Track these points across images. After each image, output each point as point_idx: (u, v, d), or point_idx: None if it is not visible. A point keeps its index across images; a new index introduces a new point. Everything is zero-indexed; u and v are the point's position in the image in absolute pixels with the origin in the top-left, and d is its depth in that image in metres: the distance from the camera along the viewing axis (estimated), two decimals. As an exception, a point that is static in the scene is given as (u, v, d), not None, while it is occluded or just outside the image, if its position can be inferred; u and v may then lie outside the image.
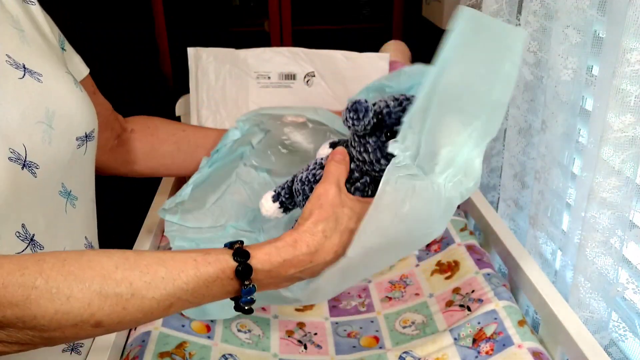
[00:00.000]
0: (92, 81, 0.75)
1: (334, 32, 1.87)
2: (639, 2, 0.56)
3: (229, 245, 0.53)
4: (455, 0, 1.10)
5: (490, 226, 0.87)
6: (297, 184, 0.65)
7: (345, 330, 0.77)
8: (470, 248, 0.85)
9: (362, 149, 0.61)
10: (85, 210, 0.65)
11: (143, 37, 1.59)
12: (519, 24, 0.87)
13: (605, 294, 0.69)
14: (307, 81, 1.08)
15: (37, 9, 0.64)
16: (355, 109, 0.58)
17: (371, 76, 1.03)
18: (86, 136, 0.62)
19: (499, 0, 0.89)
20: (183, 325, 0.72)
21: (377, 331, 0.77)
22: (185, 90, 1.08)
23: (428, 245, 0.90)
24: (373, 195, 0.58)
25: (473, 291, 0.77)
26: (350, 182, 0.63)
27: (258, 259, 0.52)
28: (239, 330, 0.75)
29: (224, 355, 0.69)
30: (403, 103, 0.60)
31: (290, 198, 0.67)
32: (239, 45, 1.08)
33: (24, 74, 0.56)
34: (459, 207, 1.03)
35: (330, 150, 0.67)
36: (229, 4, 1.83)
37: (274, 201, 0.67)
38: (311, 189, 0.62)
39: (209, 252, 0.51)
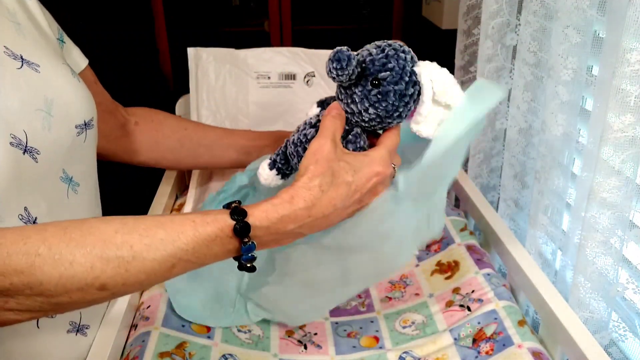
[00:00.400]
0: (92, 72, 0.77)
1: (334, 32, 1.87)
2: (639, 2, 0.56)
3: (227, 206, 0.53)
4: (455, 0, 1.10)
5: (490, 226, 0.87)
6: (290, 147, 0.64)
7: (345, 330, 0.77)
8: (470, 248, 0.85)
9: (349, 101, 0.60)
10: (88, 196, 0.66)
11: (143, 37, 1.59)
12: (519, 24, 0.87)
13: (605, 293, 0.69)
14: (307, 81, 1.08)
15: (33, 4, 0.65)
16: (338, 58, 0.56)
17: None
18: (85, 124, 0.63)
19: (499, 0, 0.89)
20: (183, 325, 0.72)
21: (377, 331, 0.77)
22: (185, 90, 1.08)
23: (428, 246, 0.90)
24: (365, 147, 0.61)
25: (473, 291, 0.77)
26: (341, 136, 0.62)
27: (256, 217, 0.52)
28: (239, 330, 0.75)
29: (224, 355, 0.69)
30: (385, 50, 0.59)
31: (287, 163, 0.66)
32: (239, 45, 1.08)
33: (22, 65, 0.57)
34: (458, 206, 1.03)
35: (318, 109, 0.66)
36: (228, 4, 1.83)
37: (270, 168, 0.66)
38: (305, 149, 0.61)
39: (207, 213, 0.52)
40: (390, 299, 0.83)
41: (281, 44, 1.76)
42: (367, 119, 0.60)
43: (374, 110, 0.59)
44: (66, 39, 0.72)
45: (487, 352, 0.67)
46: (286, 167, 0.66)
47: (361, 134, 0.62)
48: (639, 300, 0.68)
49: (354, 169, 0.56)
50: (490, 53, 0.93)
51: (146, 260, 0.47)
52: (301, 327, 0.78)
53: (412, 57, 0.60)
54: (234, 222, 0.51)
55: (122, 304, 0.72)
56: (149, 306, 0.74)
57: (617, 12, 0.61)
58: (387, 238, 0.67)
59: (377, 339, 0.76)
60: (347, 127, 0.62)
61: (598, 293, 0.69)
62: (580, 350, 0.62)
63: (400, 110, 0.60)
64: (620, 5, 0.60)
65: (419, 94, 0.60)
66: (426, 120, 0.59)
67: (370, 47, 0.60)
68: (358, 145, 0.62)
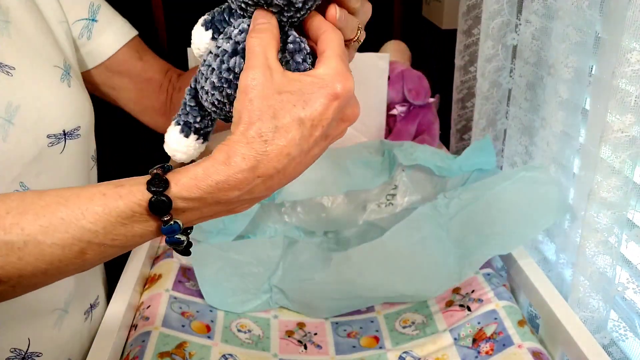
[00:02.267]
0: (136, 47, 0.71)
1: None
2: (639, 2, 0.56)
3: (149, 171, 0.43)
4: (455, 0, 1.10)
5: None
6: (206, 95, 0.45)
7: (345, 330, 0.77)
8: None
9: None
10: None
11: (143, 37, 1.59)
12: (520, 24, 0.87)
13: (605, 293, 0.69)
14: (307, 81, 1.07)
15: None
16: None
17: (371, 76, 1.03)
18: (65, 134, 0.59)
19: (499, 0, 0.89)
20: (183, 326, 0.72)
21: (377, 331, 0.77)
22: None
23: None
24: (314, 63, 0.43)
25: (473, 291, 0.77)
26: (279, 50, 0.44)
27: (183, 185, 0.41)
28: (239, 330, 0.75)
29: (224, 355, 0.69)
30: None
31: (203, 119, 0.47)
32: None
33: None
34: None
35: (209, 34, 0.46)
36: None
37: (186, 135, 0.47)
38: (227, 93, 0.44)
39: (123, 182, 0.42)
40: (390, 299, 0.83)
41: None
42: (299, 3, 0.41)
43: None
44: (103, 15, 0.68)
45: (487, 352, 0.67)
46: (206, 123, 0.48)
47: (302, 38, 0.44)
48: (639, 300, 0.68)
49: (304, 99, 0.40)
50: (490, 53, 0.93)
51: (43, 244, 0.39)
52: (301, 327, 0.78)
53: None
54: (151, 195, 0.40)
55: (122, 304, 0.72)
56: (149, 306, 0.74)
57: (617, 12, 0.61)
58: (422, 251, 0.74)
59: (377, 339, 0.76)
60: (281, 36, 0.43)
61: (598, 293, 0.69)
62: (580, 350, 0.62)
63: None
64: (620, 5, 0.60)
65: None
66: None
67: None
68: (306, 52, 0.44)
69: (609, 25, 0.65)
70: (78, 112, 0.61)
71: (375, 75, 1.03)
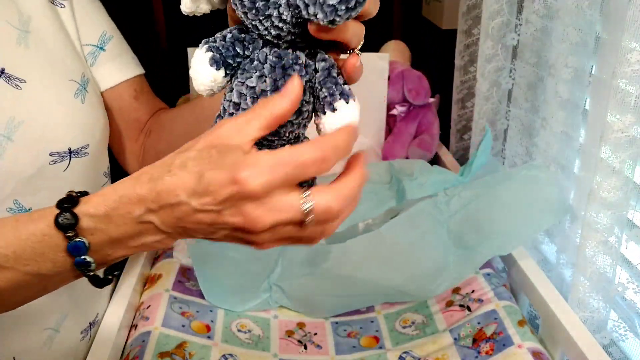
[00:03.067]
0: (138, 84, 0.70)
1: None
2: (639, 2, 0.56)
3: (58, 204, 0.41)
4: (455, 0, 1.10)
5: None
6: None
7: (345, 330, 0.77)
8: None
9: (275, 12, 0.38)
10: None
11: (143, 37, 1.59)
12: (520, 24, 0.87)
13: (605, 293, 0.69)
14: (307, 81, 1.07)
15: (66, 12, 0.62)
16: None
17: (371, 76, 1.03)
18: (70, 152, 0.57)
19: (499, 0, 0.89)
20: (183, 325, 0.72)
21: (377, 331, 0.77)
22: (186, 90, 1.08)
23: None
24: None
25: (473, 291, 0.77)
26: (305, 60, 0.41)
27: (91, 203, 0.39)
28: (239, 330, 0.75)
29: (224, 355, 0.69)
30: None
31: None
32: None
33: None
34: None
35: (221, 73, 0.42)
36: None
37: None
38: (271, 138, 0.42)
39: (39, 210, 0.40)
40: (390, 299, 0.83)
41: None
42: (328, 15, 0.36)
43: (320, 12, 0.35)
44: (112, 46, 0.67)
45: (487, 352, 0.67)
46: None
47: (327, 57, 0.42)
48: (639, 300, 0.68)
49: (220, 164, 0.37)
50: (490, 53, 0.93)
51: None
52: (301, 327, 0.78)
53: None
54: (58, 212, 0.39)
55: (122, 304, 0.72)
56: (149, 306, 0.74)
57: (617, 12, 0.61)
58: (421, 247, 0.71)
59: (377, 339, 0.76)
60: (313, 55, 0.41)
61: (598, 293, 0.69)
62: (580, 350, 0.62)
63: None
64: (620, 5, 0.60)
65: None
66: None
67: None
68: (330, 64, 0.41)
69: (609, 25, 0.65)
70: (87, 130, 0.59)
71: (375, 75, 1.03)
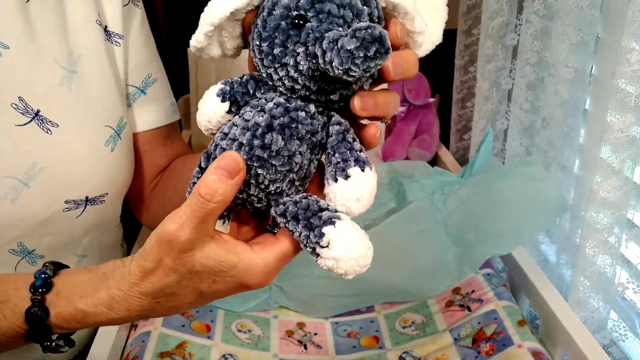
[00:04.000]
0: (167, 133, 0.66)
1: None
2: (639, 2, 0.56)
3: (33, 287, 0.39)
4: (455, 0, 1.10)
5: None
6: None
7: (345, 330, 0.77)
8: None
9: (283, 71, 0.36)
10: None
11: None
12: (520, 24, 0.87)
13: (605, 293, 0.69)
14: (307, 81, 1.07)
15: (120, 50, 0.59)
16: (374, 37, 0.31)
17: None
18: (87, 200, 0.56)
19: (499, 0, 0.89)
20: (183, 325, 0.72)
21: (377, 331, 0.77)
22: (185, 90, 1.08)
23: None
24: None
25: (473, 291, 0.77)
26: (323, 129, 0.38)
27: (63, 318, 0.39)
28: (239, 330, 0.75)
29: (224, 355, 0.69)
30: None
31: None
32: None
33: (31, 120, 0.51)
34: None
35: (225, 107, 0.39)
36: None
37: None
38: (258, 175, 0.37)
39: (7, 300, 0.40)
40: (390, 299, 0.83)
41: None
42: (331, 76, 0.34)
43: (336, 58, 0.32)
44: (154, 90, 0.64)
45: (487, 352, 0.67)
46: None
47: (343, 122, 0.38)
48: (639, 300, 0.68)
49: (214, 279, 0.37)
50: (490, 53, 0.93)
51: None
52: (301, 327, 0.78)
53: None
54: (28, 327, 0.39)
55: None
56: (149, 306, 0.74)
57: (617, 12, 0.61)
58: (420, 245, 0.72)
59: (377, 339, 0.76)
60: (326, 116, 0.38)
61: (598, 293, 0.69)
62: (580, 350, 0.62)
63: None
64: (620, 5, 0.60)
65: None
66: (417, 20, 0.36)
67: None
68: (345, 128, 0.38)
69: (609, 25, 0.65)
70: (110, 179, 0.57)
71: (375, 75, 1.03)
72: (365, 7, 0.35)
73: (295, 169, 0.37)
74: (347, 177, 0.35)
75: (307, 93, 0.36)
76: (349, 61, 0.31)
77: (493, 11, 0.90)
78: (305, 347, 0.74)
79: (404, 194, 0.90)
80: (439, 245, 0.76)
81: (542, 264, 0.86)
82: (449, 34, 1.16)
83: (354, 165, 0.36)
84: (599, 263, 0.68)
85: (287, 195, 0.38)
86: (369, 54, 0.31)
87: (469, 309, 0.75)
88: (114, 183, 0.58)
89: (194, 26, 0.44)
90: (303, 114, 0.36)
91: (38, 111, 0.52)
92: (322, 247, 0.35)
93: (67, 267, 0.42)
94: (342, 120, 0.37)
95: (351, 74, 0.32)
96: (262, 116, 0.36)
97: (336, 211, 0.36)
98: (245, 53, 0.41)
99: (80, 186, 0.55)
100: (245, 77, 0.40)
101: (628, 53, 0.58)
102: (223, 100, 0.39)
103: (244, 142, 0.36)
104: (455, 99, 1.14)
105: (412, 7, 0.36)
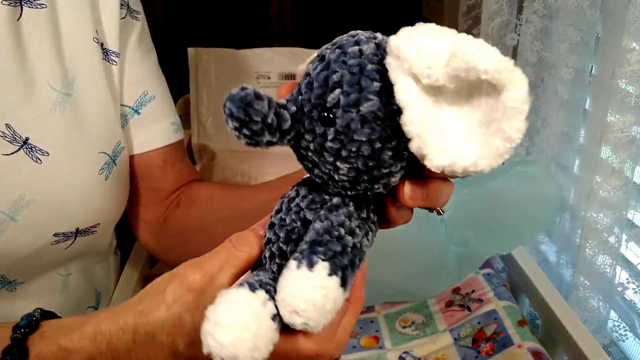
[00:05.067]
0: (166, 155, 0.62)
1: (334, 32, 1.86)
2: (639, 2, 0.56)
3: (16, 327, 0.38)
4: (455, 0, 1.10)
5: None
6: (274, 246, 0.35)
7: (345, 330, 0.77)
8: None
9: (307, 163, 0.34)
10: (39, 287, 0.55)
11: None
12: (519, 24, 0.87)
13: (605, 293, 0.69)
14: (307, 81, 1.08)
15: (117, 69, 0.56)
16: (232, 97, 0.29)
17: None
18: (77, 232, 0.53)
19: (499, 0, 0.89)
20: (183, 325, 0.72)
21: (377, 331, 0.77)
22: (185, 90, 1.08)
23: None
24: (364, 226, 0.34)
25: (473, 291, 0.77)
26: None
27: (39, 353, 0.36)
28: (239, 330, 0.75)
29: (224, 355, 0.69)
30: (326, 56, 0.32)
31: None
32: (239, 45, 1.08)
33: (18, 150, 0.47)
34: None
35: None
36: (228, 3, 1.83)
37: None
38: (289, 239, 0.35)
39: None
40: (390, 299, 0.83)
41: (280, 43, 1.76)
42: (348, 183, 0.33)
43: (346, 164, 0.31)
44: (151, 109, 0.60)
45: (487, 352, 0.67)
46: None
47: (341, 205, 0.34)
48: (639, 300, 0.68)
49: (194, 339, 0.34)
50: (490, 53, 0.93)
51: None
52: (301, 327, 0.78)
53: (374, 48, 0.31)
54: None
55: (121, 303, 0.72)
56: (149, 306, 0.74)
57: (617, 12, 0.61)
58: (419, 244, 0.73)
59: (377, 339, 0.76)
60: (325, 197, 0.35)
61: (598, 293, 0.69)
62: (580, 350, 0.62)
63: (392, 146, 0.31)
64: (620, 5, 0.60)
65: None
66: (429, 142, 0.28)
67: (311, 64, 0.33)
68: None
69: (609, 25, 0.65)
70: (103, 209, 0.54)
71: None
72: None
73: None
74: (284, 270, 0.31)
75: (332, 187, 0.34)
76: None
77: (493, 11, 0.90)
78: (305, 347, 0.74)
79: None
80: (438, 245, 0.76)
81: (542, 264, 0.86)
82: (449, 34, 1.16)
83: (294, 259, 0.31)
84: (599, 263, 0.68)
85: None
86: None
87: (469, 309, 0.75)
88: (105, 213, 0.55)
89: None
90: (315, 205, 0.35)
91: (27, 139, 0.48)
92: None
93: (59, 317, 0.40)
94: (344, 219, 0.33)
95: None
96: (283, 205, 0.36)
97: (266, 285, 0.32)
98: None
99: (71, 218, 0.51)
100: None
101: (628, 53, 0.58)
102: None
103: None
104: (456, 99, 1.14)
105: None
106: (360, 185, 0.33)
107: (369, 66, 0.30)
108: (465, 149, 0.28)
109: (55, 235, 0.51)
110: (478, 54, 0.26)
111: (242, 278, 0.34)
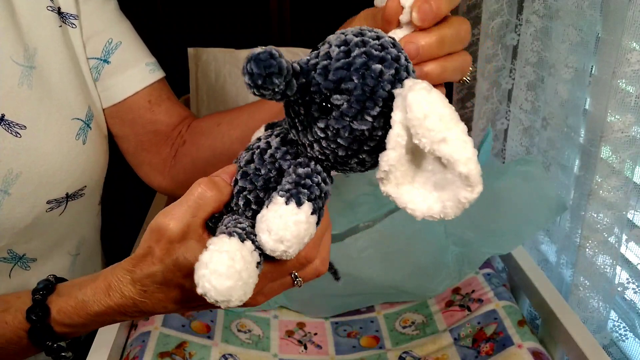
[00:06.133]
0: (150, 96, 0.62)
1: (334, 32, 1.86)
2: (639, 2, 0.56)
3: (34, 290, 0.42)
4: (455, 0, 1.10)
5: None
6: (244, 184, 0.39)
7: (345, 330, 0.77)
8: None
9: (290, 122, 0.37)
10: (52, 266, 0.59)
11: (143, 37, 1.59)
12: (520, 24, 0.87)
13: (605, 293, 0.69)
14: (307, 81, 1.07)
15: (77, 32, 0.56)
16: (250, 71, 0.32)
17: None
18: (67, 196, 0.55)
19: (499, 0, 0.89)
20: (183, 325, 0.72)
21: (377, 331, 0.77)
22: (186, 90, 1.08)
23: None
24: (322, 191, 0.37)
25: (473, 291, 0.77)
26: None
27: (64, 313, 0.41)
28: (239, 330, 0.75)
29: (224, 355, 0.69)
30: (352, 51, 0.34)
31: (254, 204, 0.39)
32: (239, 45, 1.08)
33: None
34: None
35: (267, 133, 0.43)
36: (228, 3, 1.83)
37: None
38: (258, 179, 0.38)
39: (8, 308, 0.42)
40: (390, 299, 0.83)
41: (280, 43, 1.76)
42: (317, 156, 0.37)
43: (320, 149, 0.36)
44: (120, 55, 0.60)
45: (487, 352, 0.67)
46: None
47: (316, 173, 0.37)
48: (639, 300, 0.68)
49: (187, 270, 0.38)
50: (490, 53, 0.93)
51: None
52: (301, 327, 0.78)
53: (396, 71, 0.34)
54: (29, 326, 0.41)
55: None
56: (149, 306, 0.74)
57: (617, 12, 0.61)
58: (419, 243, 0.72)
59: (377, 339, 0.76)
60: (297, 150, 0.39)
61: (598, 292, 0.69)
62: (580, 350, 0.62)
63: (362, 157, 0.36)
64: (620, 5, 0.60)
65: None
66: (391, 178, 0.34)
67: (334, 41, 0.35)
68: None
69: (609, 25, 0.65)
70: (86, 172, 0.56)
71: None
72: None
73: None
74: (269, 205, 0.35)
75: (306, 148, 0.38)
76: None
77: (493, 11, 0.90)
78: (305, 347, 0.74)
79: None
80: (438, 244, 0.76)
81: (542, 264, 0.86)
82: (449, 34, 1.16)
83: (281, 196, 0.35)
84: (599, 263, 0.68)
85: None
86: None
87: (469, 309, 0.75)
88: (90, 175, 0.57)
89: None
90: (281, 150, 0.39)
91: (3, 115, 0.50)
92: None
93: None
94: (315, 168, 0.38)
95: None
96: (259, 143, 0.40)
97: (248, 233, 0.35)
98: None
99: (59, 184, 0.54)
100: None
101: (628, 53, 0.58)
102: (265, 129, 0.44)
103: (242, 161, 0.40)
104: (455, 99, 1.14)
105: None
106: (329, 162, 0.37)
107: (380, 92, 0.34)
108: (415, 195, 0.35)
109: (48, 202, 0.53)
110: (458, 158, 0.31)
111: (225, 223, 0.37)
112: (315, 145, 0.36)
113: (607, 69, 0.63)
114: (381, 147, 0.34)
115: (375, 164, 0.35)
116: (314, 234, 0.36)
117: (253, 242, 0.35)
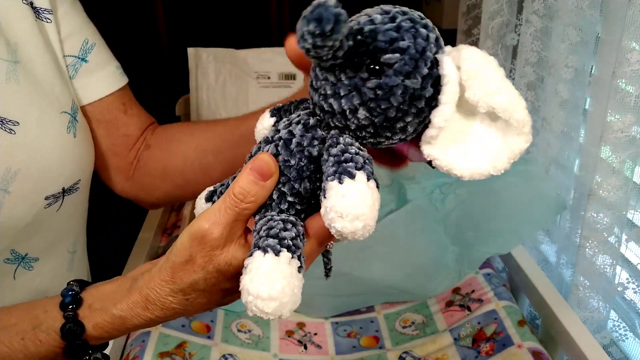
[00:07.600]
0: (124, 98, 0.63)
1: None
2: (639, 2, 0.56)
3: (63, 305, 0.41)
4: (455, 0, 1.10)
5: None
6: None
7: (345, 330, 0.77)
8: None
9: (327, 92, 0.36)
10: (52, 266, 0.59)
11: (144, 37, 1.59)
12: (519, 24, 0.87)
13: (604, 293, 0.69)
14: (307, 81, 1.08)
15: (52, 26, 0.56)
16: (319, 16, 0.31)
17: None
18: (64, 191, 0.55)
19: (499, 0, 0.89)
20: (183, 325, 0.72)
21: (377, 331, 0.77)
22: (185, 90, 1.08)
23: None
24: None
25: (473, 291, 0.77)
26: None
27: (100, 329, 0.41)
28: (239, 330, 0.75)
29: (224, 355, 0.69)
30: (397, 18, 0.35)
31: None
32: (239, 45, 1.08)
33: None
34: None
35: (272, 120, 0.43)
36: (228, 3, 1.83)
37: (208, 201, 0.44)
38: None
39: (39, 324, 0.41)
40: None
41: (280, 43, 1.76)
42: (353, 126, 0.36)
43: (367, 113, 0.35)
44: (95, 55, 0.61)
45: (487, 352, 0.67)
46: None
47: (350, 145, 0.37)
48: (639, 300, 0.68)
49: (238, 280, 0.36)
50: (490, 53, 0.93)
51: None
52: (301, 327, 0.78)
53: (437, 38, 0.36)
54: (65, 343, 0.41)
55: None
56: (149, 306, 0.74)
57: (617, 12, 0.61)
58: (419, 243, 0.71)
59: (377, 339, 0.76)
60: (322, 134, 0.38)
61: (598, 292, 0.69)
62: (580, 350, 0.62)
63: (408, 121, 0.35)
64: (620, 5, 0.60)
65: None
66: (440, 137, 0.35)
67: (373, 12, 0.36)
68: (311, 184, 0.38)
69: (609, 25, 0.65)
70: (79, 165, 0.56)
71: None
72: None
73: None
74: (326, 194, 0.34)
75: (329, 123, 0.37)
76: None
77: (493, 11, 0.90)
78: (305, 347, 0.74)
79: (404, 196, 0.90)
80: (437, 244, 0.76)
81: (542, 264, 0.86)
82: (449, 34, 1.16)
83: (331, 180, 0.34)
84: (599, 263, 0.68)
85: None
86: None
87: (469, 309, 0.75)
88: (83, 168, 0.57)
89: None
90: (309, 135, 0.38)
91: None
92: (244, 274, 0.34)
93: (90, 283, 0.43)
94: (348, 143, 0.37)
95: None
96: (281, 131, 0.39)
97: (281, 240, 0.35)
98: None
99: (55, 179, 0.54)
100: (297, 101, 0.43)
101: (628, 53, 0.58)
102: (271, 116, 0.43)
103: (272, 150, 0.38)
104: (455, 99, 1.14)
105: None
106: (361, 133, 0.36)
107: (428, 53, 0.35)
108: (467, 160, 0.35)
109: (46, 198, 0.53)
110: (515, 106, 0.34)
111: (257, 228, 0.36)
112: (360, 110, 0.35)
113: (607, 68, 0.63)
114: (426, 109, 0.35)
115: (413, 132, 0.36)
116: (379, 200, 0.35)
117: (289, 248, 0.34)
